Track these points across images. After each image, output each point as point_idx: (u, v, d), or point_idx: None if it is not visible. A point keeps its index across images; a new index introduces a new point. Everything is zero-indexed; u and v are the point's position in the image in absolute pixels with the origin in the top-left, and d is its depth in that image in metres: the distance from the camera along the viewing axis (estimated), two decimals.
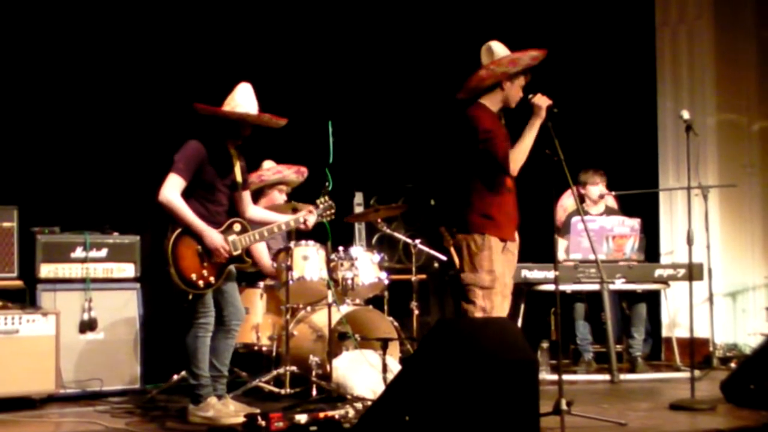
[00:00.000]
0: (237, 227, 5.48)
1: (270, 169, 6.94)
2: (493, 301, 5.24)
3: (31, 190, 6.74)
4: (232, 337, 5.57)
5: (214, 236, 5.32)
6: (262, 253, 6.66)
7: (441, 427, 4.02)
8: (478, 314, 5.20)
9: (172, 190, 5.28)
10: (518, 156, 5.24)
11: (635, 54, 8.85)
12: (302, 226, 5.74)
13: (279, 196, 6.88)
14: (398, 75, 8.45)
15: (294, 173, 6.90)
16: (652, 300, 8.05)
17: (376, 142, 8.29)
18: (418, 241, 7.25)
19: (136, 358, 6.56)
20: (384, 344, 5.79)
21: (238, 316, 5.58)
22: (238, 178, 5.59)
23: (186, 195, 5.32)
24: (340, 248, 6.67)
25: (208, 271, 5.33)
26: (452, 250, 5.34)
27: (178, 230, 5.29)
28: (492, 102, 5.40)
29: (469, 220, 5.30)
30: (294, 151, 7.15)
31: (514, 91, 5.37)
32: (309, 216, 5.72)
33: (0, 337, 5.89)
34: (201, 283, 5.31)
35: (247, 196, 5.71)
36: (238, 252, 5.43)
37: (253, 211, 5.75)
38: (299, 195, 6.91)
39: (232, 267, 5.47)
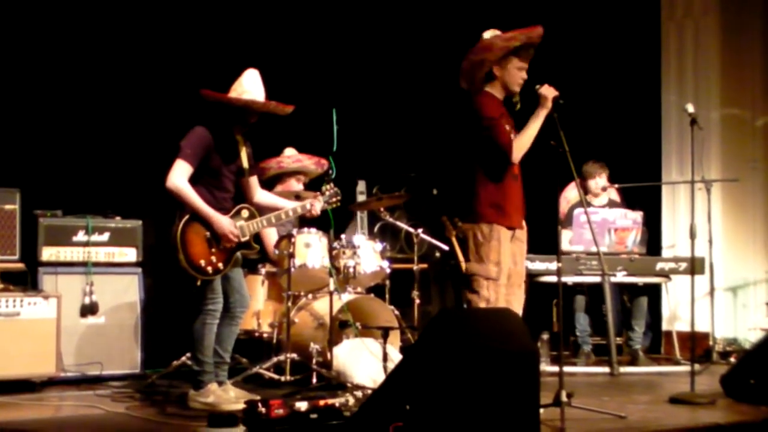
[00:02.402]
0: (245, 213, 5.49)
1: (290, 157, 6.94)
2: (498, 292, 5.22)
3: (34, 174, 6.74)
4: (236, 324, 5.58)
5: (223, 222, 5.32)
6: (273, 239, 6.65)
7: (441, 416, 4.01)
8: (482, 305, 5.18)
9: (180, 176, 5.28)
10: (522, 144, 5.21)
11: (640, 47, 8.84)
12: (308, 214, 5.74)
13: (296, 185, 6.89)
14: (402, 63, 8.43)
15: (314, 164, 6.90)
16: (653, 293, 8.05)
17: (379, 130, 8.28)
18: (420, 230, 7.25)
19: (136, 343, 6.57)
20: (385, 333, 5.78)
21: (243, 303, 5.59)
22: (245, 164, 5.59)
23: (193, 181, 5.32)
24: (343, 236, 6.68)
25: (217, 257, 5.33)
26: (454, 240, 5.30)
27: (186, 216, 5.28)
28: (495, 89, 5.36)
29: (476, 209, 5.26)
30: (298, 139, 7.15)
31: (509, 75, 5.32)
32: (315, 203, 5.72)
33: (1, 319, 5.90)
34: (210, 269, 5.31)
35: (254, 181, 5.71)
36: (247, 238, 5.43)
37: (261, 196, 5.75)
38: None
39: (238, 253, 5.47)
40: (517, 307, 5.36)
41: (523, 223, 5.49)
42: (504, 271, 5.27)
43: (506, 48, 5.25)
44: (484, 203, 5.26)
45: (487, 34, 5.30)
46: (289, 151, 7.02)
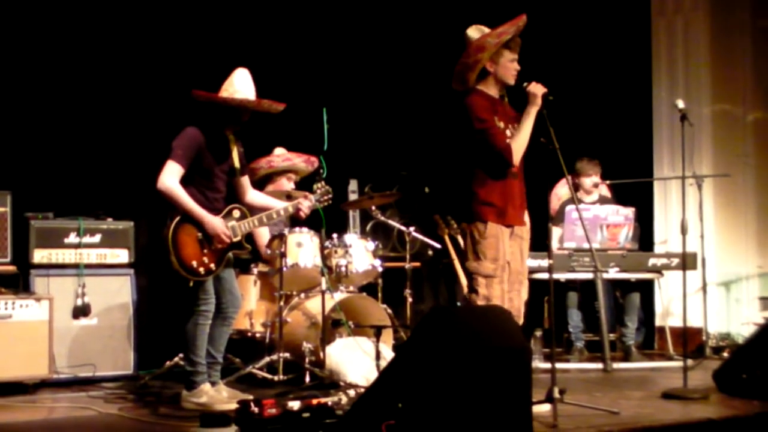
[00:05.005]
0: (236, 213, 5.48)
1: (280, 156, 6.93)
2: (497, 289, 5.20)
3: (25, 176, 6.72)
4: (228, 325, 5.58)
5: (215, 222, 5.32)
6: (265, 238, 6.64)
7: (434, 414, 4.02)
8: (481, 302, 5.17)
9: (171, 177, 5.27)
10: (518, 147, 5.22)
11: (631, 43, 8.86)
12: (296, 214, 5.73)
13: (287, 184, 6.88)
14: (393, 62, 8.42)
15: (303, 162, 6.89)
16: (646, 289, 8.07)
17: (370, 129, 8.27)
18: (412, 228, 7.25)
19: (129, 344, 6.56)
20: (377, 331, 5.78)
21: (235, 303, 5.58)
22: (236, 164, 5.58)
23: (184, 182, 5.31)
24: (334, 235, 6.67)
25: (209, 258, 5.33)
26: (446, 238, 5.32)
27: (178, 218, 5.28)
28: (488, 86, 5.35)
29: (472, 208, 5.26)
30: (288, 138, 7.14)
31: (503, 69, 5.30)
32: (305, 202, 5.71)
33: None
34: (202, 270, 5.30)
35: (246, 181, 5.71)
36: (238, 238, 5.43)
37: (253, 195, 5.74)
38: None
39: (230, 254, 5.47)
40: (519, 304, 5.37)
41: (526, 220, 5.49)
42: (503, 268, 5.26)
43: (499, 44, 5.25)
44: (480, 202, 5.26)
45: (471, 31, 5.30)
46: (279, 151, 7.02)
